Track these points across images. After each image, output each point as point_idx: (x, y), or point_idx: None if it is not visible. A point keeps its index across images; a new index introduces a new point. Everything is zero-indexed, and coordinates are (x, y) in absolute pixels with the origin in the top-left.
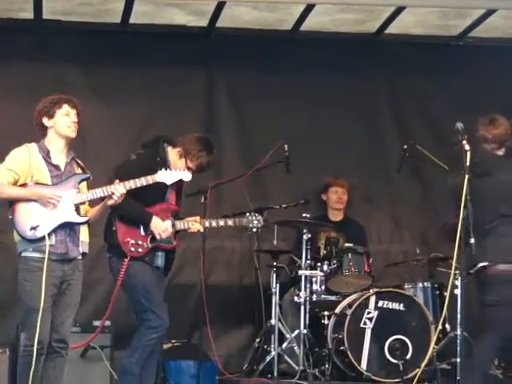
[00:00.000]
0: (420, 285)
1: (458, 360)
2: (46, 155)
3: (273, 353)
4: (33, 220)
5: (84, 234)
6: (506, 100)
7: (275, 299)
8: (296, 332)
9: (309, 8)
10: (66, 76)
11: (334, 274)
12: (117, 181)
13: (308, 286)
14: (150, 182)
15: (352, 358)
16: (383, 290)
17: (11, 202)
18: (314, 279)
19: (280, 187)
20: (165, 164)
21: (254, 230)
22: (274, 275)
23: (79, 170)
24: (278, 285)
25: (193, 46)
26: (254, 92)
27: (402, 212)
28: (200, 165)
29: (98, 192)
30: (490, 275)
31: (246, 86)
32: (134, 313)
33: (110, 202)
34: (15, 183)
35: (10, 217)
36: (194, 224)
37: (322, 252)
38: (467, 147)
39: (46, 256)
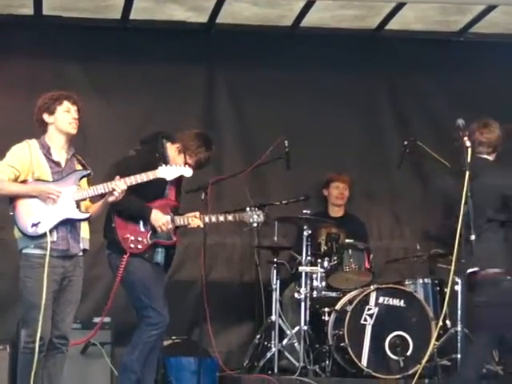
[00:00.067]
0: (420, 281)
1: (459, 356)
2: (47, 151)
3: (273, 349)
4: (34, 217)
5: (85, 230)
6: (507, 96)
7: (276, 295)
8: (296, 328)
9: (309, 4)
10: (66, 72)
11: (334, 271)
12: (117, 177)
13: (308, 282)
14: (151, 177)
15: (352, 355)
16: (384, 286)
17: (12, 199)
18: (314, 275)
19: (280, 183)
20: (164, 160)
21: (255, 225)
22: (275, 271)
23: (79, 167)
24: (278, 281)
25: (193, 42)
26: (254, 88)
27: (402, 208)
28: (199, 161)
29: (99, 188)
30: (479, 279)
31: (246, 82)
32: (134, 309)
33: (111, 199)
34: (16, 180)
35: (11, 213)
36: (193, 220)
37: (323, 248)
38: (468, 143)
39: (48, 252)
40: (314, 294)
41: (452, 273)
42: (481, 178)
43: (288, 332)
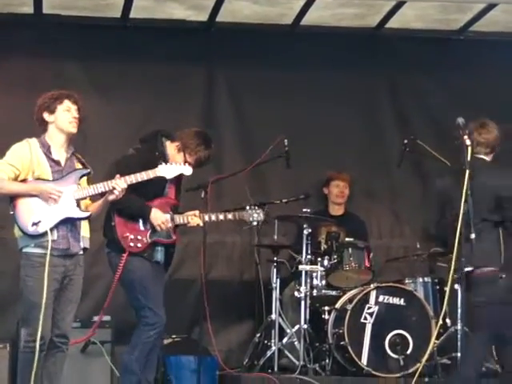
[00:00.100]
0: (420, 280)
1: (459, 355)
2: (47, 150)
3: (273, 348)
4: (34, 215)
5: (85, 229)
6: (507, 95)
7: (276, 294)
8: (296, 327)
9: (309, 2)
10: (66, 70)
11: (334, 269)
12: (117, 175)
13: (308, 280)
14: (151, 176)
15: (352, 353)
16: (384, 284)
17: (12, 198)
18: (314, 274)
19: (280, 182)
20: (163, 158)
21: (255, 223)
22: (275, 270)
23: (79, 165)
24: (278, 280)
25: (193, 40)
26: (254, 86)
27: (402, 207)
28: (198, 159)
29: (100, 187)
30: (475, 278)
31: (246, 81)
32: (133, 309)
33: (111, 197)
34: (16, 178)
35: (11, 212)
36: (193, 218)
37: (323, 247)
38: (468, 142)
39: (49, 252)
40: (314, 292)
41: (452, 271)
42: (477, 179)
43: (288, 331)
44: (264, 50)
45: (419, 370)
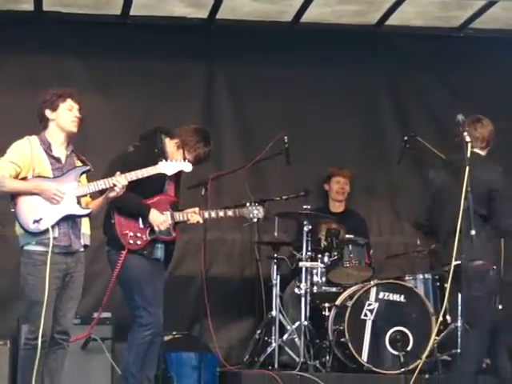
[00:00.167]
0: (420, 276)
1: (459, 351)
2: (47, 148)
3: (273, 344)
4: (35, 213)
5: (85, 226)
6: (507, 92)
7: (276, 291)
8: (297, 324)
9: None
10: (66, 68)
11: (334, 266)
12: (118, 173)
13: (309, 277)
14: (152, 172)
15: (353, 350)
16: (384, 281)
17: (13, 195)
18: (314, 271)
19: (280, 179)
20: (163, 155)
21: (255, 220)
22: (275, 267)
23: (79, 163)
24: (278, 276)
25: (193, 37)
26: (254, 84)
27: (402, 203)
28: (198, 156)
29: (100, 184)
30: (469, 272)
31: (246, 78)
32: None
33: (112, 194)
34: (17, 176)
35: (12, 210)
36: (193, 215)
37: (323, 243)
38: (468, 139)
39: (50, 249)
40: (315, 289)
41: (452, 268)
42: (473, 173)
43: (288, 327)
44: (264, 47)
45: (419, 366)
